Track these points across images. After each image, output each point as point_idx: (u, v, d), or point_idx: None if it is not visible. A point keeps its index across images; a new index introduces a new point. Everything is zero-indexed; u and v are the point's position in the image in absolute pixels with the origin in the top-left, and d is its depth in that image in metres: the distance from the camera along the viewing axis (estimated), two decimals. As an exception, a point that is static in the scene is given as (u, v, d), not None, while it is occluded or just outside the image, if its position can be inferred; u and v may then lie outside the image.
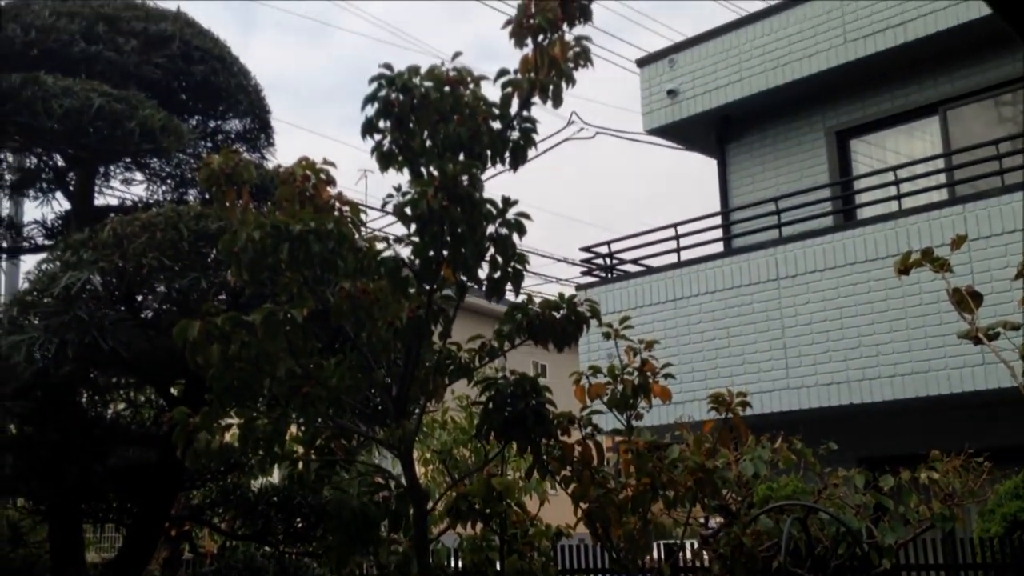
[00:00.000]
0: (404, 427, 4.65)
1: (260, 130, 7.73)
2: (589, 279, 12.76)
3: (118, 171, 7.36)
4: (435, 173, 4.40)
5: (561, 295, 5.03)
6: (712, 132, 13.03)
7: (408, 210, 4.32)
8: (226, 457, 4.65)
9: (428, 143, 4.56)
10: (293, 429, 4.96)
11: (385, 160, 4.60)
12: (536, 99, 4.65)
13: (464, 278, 4.68)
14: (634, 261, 12.68)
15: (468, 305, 5.15)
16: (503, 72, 4.59)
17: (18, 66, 6.30)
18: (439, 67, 4.49)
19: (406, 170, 4.65)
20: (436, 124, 4.48)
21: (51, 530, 6.77)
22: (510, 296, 5.03)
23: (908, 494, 6.57)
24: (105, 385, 6.55)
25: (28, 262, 7.93)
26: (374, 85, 4.41)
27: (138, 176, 7.46)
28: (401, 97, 4.42)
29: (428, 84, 4.45)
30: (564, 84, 4.57)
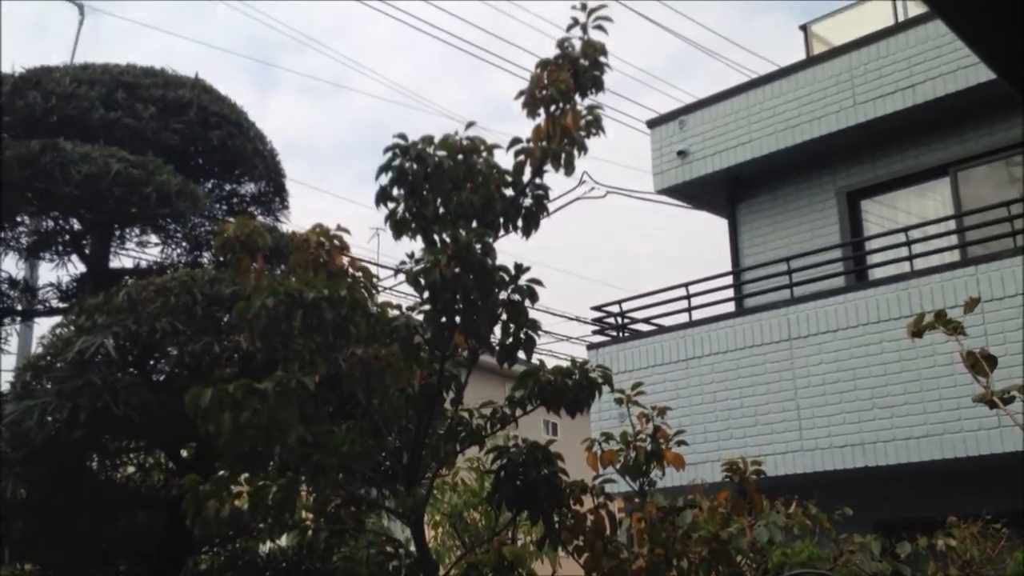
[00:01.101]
0: (415, 495, 4.62)
1: (275, 193, 7.81)
2: (601, 338, 12.73)
3: (134, 234, 7.43)
4: (448, 241, 4.44)
5: (573, 360, 5.03)
6: (723, 192, 13.08)
7: (421, 277, 4.35)
8: (235, 524, 4.63)
9: (441, 210, 4.60)
10: (303, 495, 4.94)
11: (399, 227, 4.63)
12: (548, 167, 4.70)
13: (476, 344, 4.69)
14: (646, 320, 12.66)
15: (480, 363, 5.15)
16: (516, 141, 4.64)
17: (38, 132, 6.41)
18: (452, 136, 4.55)
19: (419, 237, 4.69)
20: (449, 192, 4.53)
21: (59, 595, 6.72)
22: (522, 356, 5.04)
23: (925, 561, 6.46)
24: (116, 449, 6.54)
25: (42, 324, 7.97)
26: (388, 155, 4.48)
27: (153, 238, 7.54)
28: (415, 166, 4.47)
29: (441, 153, 4.51)
30: (576, 152, 4.63)
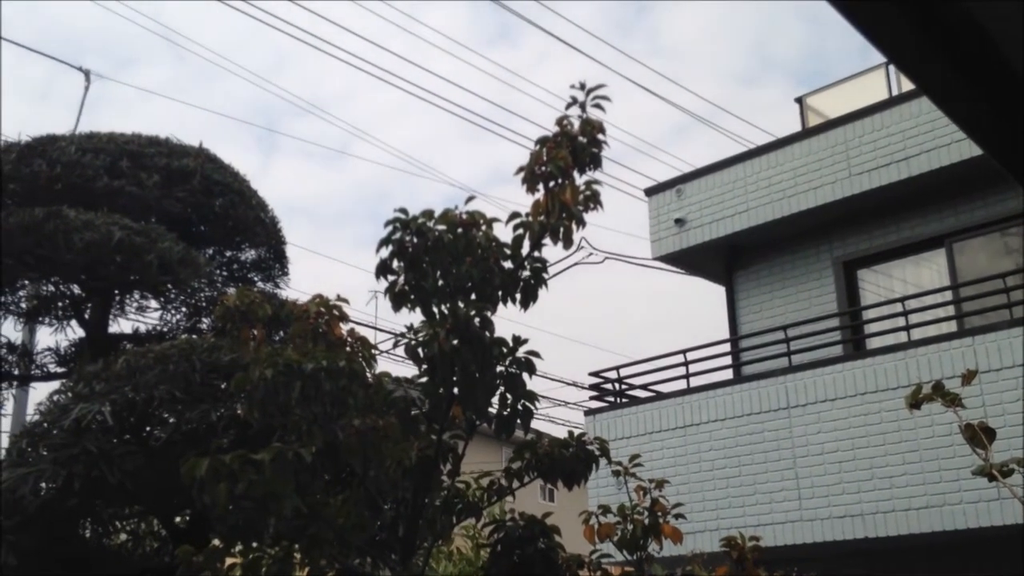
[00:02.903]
0: (410, 567, 4.59)
1: (275, 260, 7.87)
2: (598, 404, 12.70)
3: (133, 299, 7.47)
4: (447, 313, 4.48)
5: (571, 433, 5.03)
6: (720, 260, 13.16)
7: (420, 351, 4.38)
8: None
9: (440, 283, 4.65)
10: (297, 567, 4.90)
11: (398, 300, 4.67)
12: (547, 240, 4.76)
13: (473, 416, 4.70)
14: (643, 387, 12.64)
15: (477, 429, 5.14)
16: (515, 215, 4.71)
17: (42, 200, 6.50)
18: (452, 210, 4.61)
19: (418, 309, 4.73)
20: (448, 265, 4.58)
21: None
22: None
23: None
24: (109, 516, 6.49)
25: (40, 389, 7.97)
26: (389, 228, 4.53)
27: (153, 304, 7.57)
28: (415, 240, 4.53)
29: (441, 227, 4.57)
30: (575, 226, 4.68)
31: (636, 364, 12.65)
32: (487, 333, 4.43)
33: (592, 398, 13.07)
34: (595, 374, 12.80)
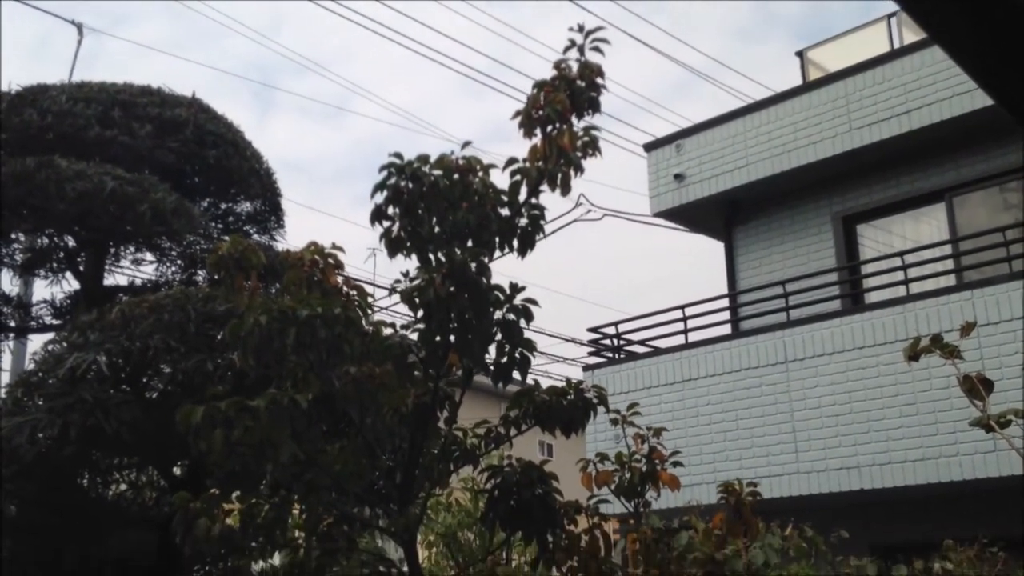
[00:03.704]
0: (408, 514, 4.59)
1: (271, 212, 7.81)
2: (596, 360, 12.71)
3: (128, 252, 7.42)
4: (443, 260, 4.43)
5: (569, 381, 5.02)
6: (719, 216, 13.11)
7: (416, 296, 4.34)
8: (226, 543, 4.59)
9: (436, 229, 4.60)
10: (295, 514, 4.90)
11: (394, 246, 4.63)
12: (544, 187, 4.70)
13: (470, 364, 4.67)
14: (642, 342, 12.65)
15: (475, 383, 5.13)
16: (512, 161, 4.64)
17: (34, 150, 6.42)
18: (448, 156, 4.55)
19: (414, 256, 4.69)
20: (445, 211, 4.53)
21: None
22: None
23: (922, 585, 6.41)
24: (107, 466, 6.50)
25: (36, 341, 7.95)
26: (384, 173, 4.47)
27: (148, 256, 7.53)
28: (411, 185, 4.47)
29: (437, 172, 4.51)
30: (573, 173, 4.63)
31: (635, 320, 12.65)
32: (484, 279, 4.39)
33: (591, 354, 13.10)
34: (593, 330, 12.80)
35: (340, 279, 4.80)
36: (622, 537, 5.21)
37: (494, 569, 5.01)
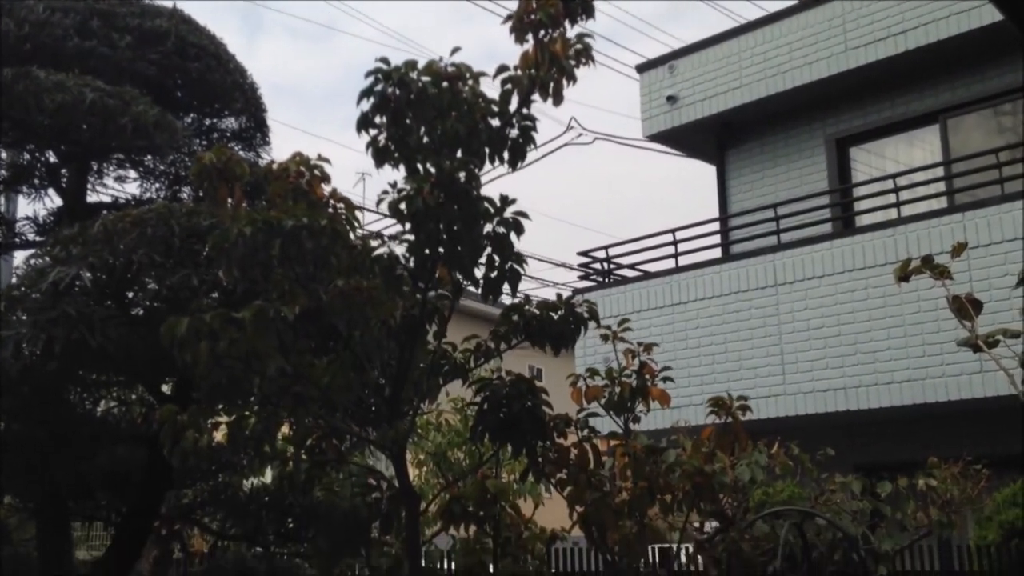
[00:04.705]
0: (397, 428, 4.57)
1: (256, 129, 7.65)
2: (586, 284, 12.70)
3: (111, 168, 7.28)
4: (431, 170, 4.34)
5: (559, 296, 4.98)
6: (712, 139, 12.97)
7: (403, 207, 4.26)
8: (215, 457, 4.58)
9: (425, 139, 4.50)
10: (284, 429, 4.89)
11: (380, 156, 4.53)
12: (536, 97, 4.58)
13: (460, 277, 4.61)
14: (632, 266, 12.62)
15: (464, 309, 5.10)
16: (503, 68, 4.52)
17: (11, 61, 6.24)
18: (437, 62, 4.42)
19: (402, 167, 4.59)
20: (433, 120, 4.42)
21: (39, 528, 6.68)
22: (507, 298, 4.98)
23: (906, 501, 6.51)
24: (95, 382, 6.46)
25: (19, 258, 7.86)
26: (370, 79, 4.35)
27: (132, 174, 7.38)
28: (398, 92, 4.35)
29: (425, 79, 4.39)
30: (565, 81, 4.51)
31: (625, 244, 12.60)
32: (473, 190, 4.31)
33: (581, 278, 13.07)
34: (584, 253, 12.75)
35: (327, 191, 4.71)
36: (610, 457, 5.24)
37: (483, 482, 5.04)
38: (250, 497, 6.73)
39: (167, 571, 7.76)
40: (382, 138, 4.51)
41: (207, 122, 7.63)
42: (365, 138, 4.60)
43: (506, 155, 4.66)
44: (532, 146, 4.73)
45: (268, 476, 6.84)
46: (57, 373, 5.30)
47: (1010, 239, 8.96)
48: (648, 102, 13.08)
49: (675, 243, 11.86)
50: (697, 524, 7.30)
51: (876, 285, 9.64)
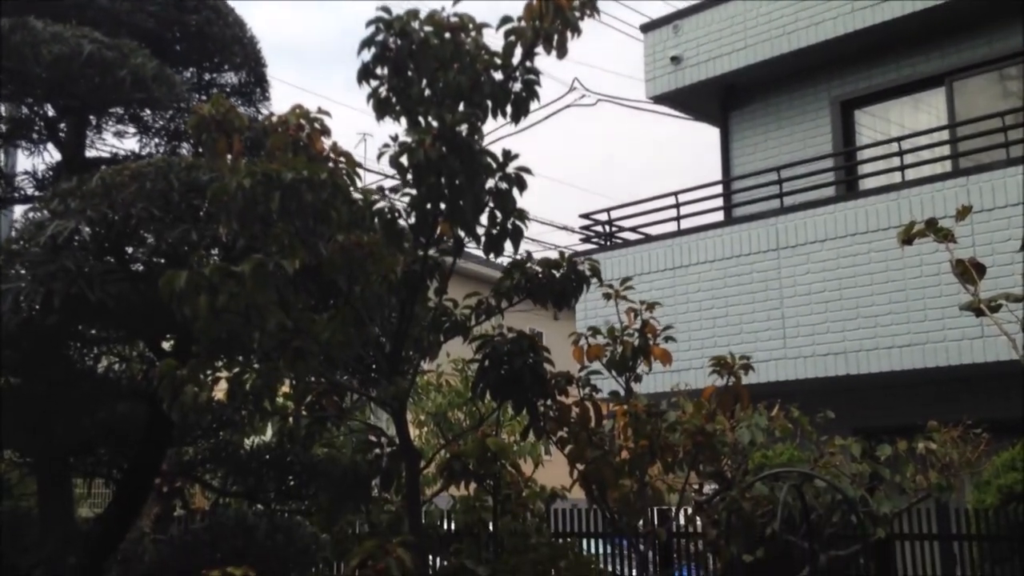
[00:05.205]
0: (398, 384, 4.55)
1: (256, 84, 7.56)
2: (588, 246, 12.65)
3: (110, 123, 7.19)
4: (433, 122, 4.28)
5: (562, 254, 4.94)
6: (715, 100, 12.87)
7: (404, 160, 4.20)
8: (215, 412, 4.57)
9: (427, 91, 4.43)
10: (285, 386, 4.86)
11: (381, 108, 4.46)
12: (540, 50, 4.51)
13: (462, 233, 4.57)
14: (633, 229, 12.57)
15: (465, 271, 5.06)
16: (506, 19, 4.44)
17: (8, 10, 6.14)
18: (439, 12, 4.35)
19: (403, 120, 4.53)
20: (435, 71, 4.35)
21: (39, 484, 6.69)
22: (508, 255, 4.94)
23: (905, 464, 6.51)
24: (95, 338, 6.43)
25: (18, 212, 7.80)
26: (371, 28, 4.27)
27: (131, 129, 7.29)
28: (399, 42, 4.28)
29: (428, 29, 4.31)
30: (569, 33, 4.43)
31: (627, 206, 12.54)
32: (476, 143, 4.25)
33: (583, 240, 13.02)
34: (586, 216, 12.70)
35: (327, 144, 4.65)
36: (611, 420, 5.22)
37: (484, 440, 5.03)
38: (251, 454, 6.73)
39: (168, 528, 7.81)
40: (383, 90, 4.44)
41: (206, 77, 7.53)
42: (367, 92, 4.54)
43: (509, 109, 4.59)
44: (535, 100, 4.66)
45: (269, 434, 6.85)
46: (56, 327, 5.26)
47: (1014, 203, 8.91)
48: (652, 63, 12.96)
49: (677, 206, 11.81)
50: (696, 486, 7.32)
51: (878, 249, 9.60)
